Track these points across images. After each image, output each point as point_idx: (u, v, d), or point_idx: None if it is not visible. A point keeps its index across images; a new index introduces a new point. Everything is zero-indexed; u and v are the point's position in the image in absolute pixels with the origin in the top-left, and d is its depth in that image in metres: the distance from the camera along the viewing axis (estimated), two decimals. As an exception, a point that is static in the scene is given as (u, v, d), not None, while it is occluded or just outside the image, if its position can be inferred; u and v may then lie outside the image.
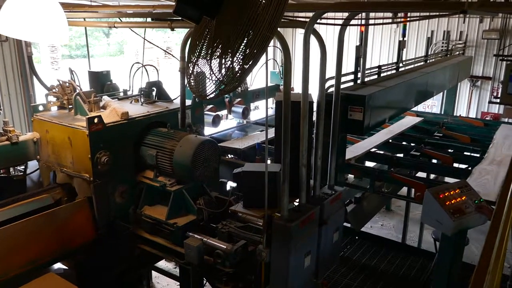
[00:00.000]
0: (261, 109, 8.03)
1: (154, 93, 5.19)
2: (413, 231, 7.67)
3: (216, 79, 2.15)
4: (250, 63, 2.09)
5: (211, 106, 6.10)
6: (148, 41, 5.41)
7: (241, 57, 2.09)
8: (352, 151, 5.43)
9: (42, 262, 4.01)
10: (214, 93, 2.17)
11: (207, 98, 2.22)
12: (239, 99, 6.73)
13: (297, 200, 3.74)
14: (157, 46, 6.51)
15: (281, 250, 3.38)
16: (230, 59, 2.12)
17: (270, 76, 8.14)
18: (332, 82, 4.21)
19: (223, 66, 2.19)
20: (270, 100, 8.30)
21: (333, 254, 4.07)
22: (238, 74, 2.16)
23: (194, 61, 2.38)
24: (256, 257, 3.60)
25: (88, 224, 4.25)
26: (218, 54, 2.19)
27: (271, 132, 5.25)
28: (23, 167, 4.87)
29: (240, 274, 3.91)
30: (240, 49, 2.10)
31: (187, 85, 2.44)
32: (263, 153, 5.60)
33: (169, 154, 4.26)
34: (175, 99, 5.17)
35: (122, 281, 4.47)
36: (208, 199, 4.43)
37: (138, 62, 5.32)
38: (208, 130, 5.96)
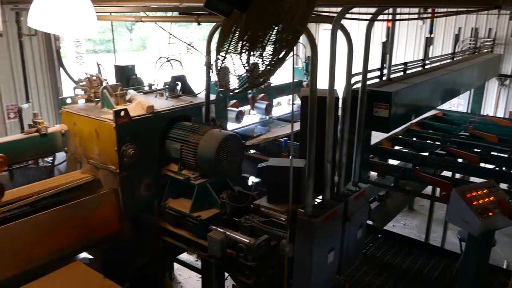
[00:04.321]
0: (283, 105, 8.00)
1: (178, 87, 5.24)
2: (436, 231, 7.55)
3: (246, 73, 2.15)
4: (280, 57, 2.09)
5: (234, 101, 6.11)
6: (174, 36, 5.45)
7: (271, 52, 2.09)
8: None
9: (69, 251, 4.11)
10: (243, 87, 2.18)
11: (236, 92, 2.23)
12: (262, 94, 6.72)
13: (319, 197, 3.73)
14: (184, 42, 6.55)
15: (305, 246, 3.38)
16: (260, 53, 2.12)
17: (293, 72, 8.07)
18: (357, 78, 4.17)
19: (253, 60, 2.19)
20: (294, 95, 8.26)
21: (356, 251, 4.05)
22: (267, 68, 2.16)
23: (223, 55, 2.38)
24: (279, 251, 3.61)
25: (114, 216, 4.33)
26: (247, 48, 2.20)
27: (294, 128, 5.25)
28: (51, 158, 4.98)
29: (262, 268, 3.92)
30: (270, 43, 2.10)
31: (215, 79, 2.45)
32: (287, 149, 5.61)
33: (194, 148, 4.30)
34: (198, 93, 5.21)
35: (146, 272, 4.54)
36: (231, 193, 4.44)
37: (163, 57, 5.37)
38: (231, 126, 5.98)
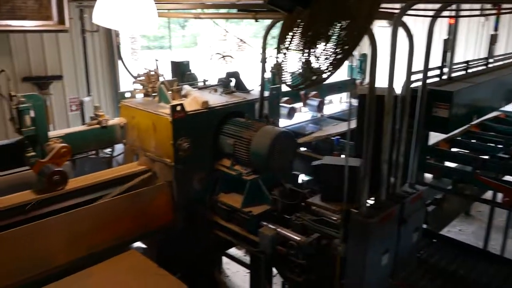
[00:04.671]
0: (335, 103, 7.91)
1: (232, 83, 5.29)
2: (495, 238, 7.17)
3: (308, 69, 2.13)
4: (344, 54, 2.05)
5: (286, 98, 6.10)
6: (229, 33, 5.51)
7: (335, 48, 2.06)
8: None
9: (125, 239, 4.27)
10: (304, 84, 2.17)
11: (297, 88, 2.22)
12: (314, 92, 6.67)
13: (372, 198, 3.65)
14: (240, 39, 6.60)
15: (359, 246, 3.32)
16: (323, 49, 2.10)
17: (346, 70, 7.95)
18: (416, 76, 4.03)
19: (315, 56, 2.17)
20: (345, 94, 8.14)
21: (411, 255, 3.93)
22: (330, 65, 2.13)
23: (284, 51, 2.38)
24: (331, 251, 3.57)
25: (168, 207, 4.45)
26: (310, 44, 2.18)
27: (346, 126, 5.13)
28: (110, 149, 5.19)
29: (313, 267, 3.90)
30: (334, 40, 2.07)
31: (269, 75, 2.45)
32: (339, 148, 5.55)
33: (247, 143, 4.33)
34: (252, 90, 5.24)
35: (197, 264, 4.63)
36: (283, 190, 4.45)
37: (218, 53, 5.45)
38: (283, 122, 5.97)
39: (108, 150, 5.20)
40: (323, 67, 2.19)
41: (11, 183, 4.30)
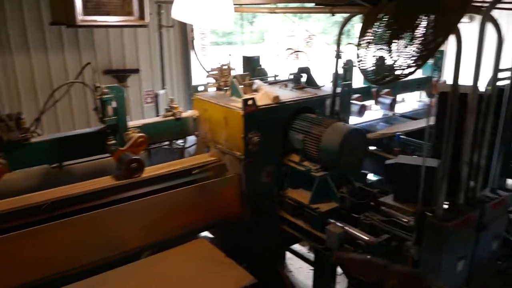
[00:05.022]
0: (408, 102, 7.60)
1: (303, 79, 5.27)
2: None
3: (393, 63, 2.07)
4: (431, 48, 1.97)
5: (357, 95, 5.96)
6: (299, 25, 5.46)
7: (422, 42, 1.98)
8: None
9: (195, 228, 4.41)
10: (387, 78, 2.10)
11: (379, 83, 2.16)
12: (387, 89, 6.45)
13: (447, 201, 3.47)
14: (313, 35, 6.54)
15: (433, 250, 3.19)
16: (410, 43, 2.02)
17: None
18: (504, 74, 3.77)
19: (399, 50, 2.10)
20: (419, 93, 7.80)
21: (490, 263, 3.71)
22: (415, 60, 2.05)
23: (365, 46, 2.32)
24: (401, 253, 3.46)
25: (236, 199, 4.53)
26: (394, 38, 2.11)
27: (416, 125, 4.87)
28: (182, 141, 5.37)
29: (381, 269, 3.80)
30: (422, 34, 1.99)
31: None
32: (403, 145, 5.35)
33: (317, 139, 4.30)
34: (322, 86, 5.18)
35: (262, 257, 4.68)
36: (352, 188, 4.36)
37: (290, 48, 5.44)
38: (353, 120, 5.85)
39: (180, 142, 5.37)
40: (406, 63, 2.11)
41: (93, 168, 4.58)
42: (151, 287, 3.50)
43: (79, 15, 4.52)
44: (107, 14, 5.17)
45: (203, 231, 4.78)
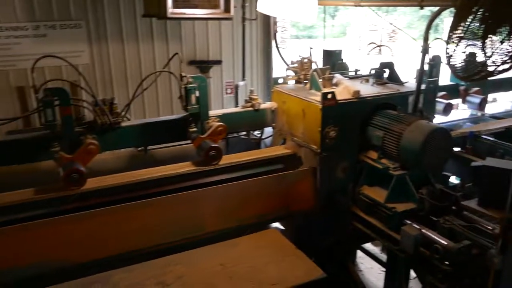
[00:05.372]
0: (500, 102, 7.07)
1: (385, 74, 5.11)
2: None
3: (486, 59, 1.96)
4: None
5: (443, 93, 5.66)
6: (381, 19, 5.30)
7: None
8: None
9: (268, 217, 4.49)
10: (480, 74, 1.99)
11: (471, 80, 2.05)
12: (476, 88, 6.05)
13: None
14: (398, 28, 6.32)
15: (520, 262, 2.97)
16: (506, 38, 1.90)
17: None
18: None
19: (496, 46, 1.97)
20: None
21: None
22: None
23: (456, 41, 2.21)
24: (484, 262, 3.27)
25: (310, 192, 4.54)
26: (491, 33, 1.99)
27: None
28: (259, 132, 5.48)
29: (459, 276, 3.61)
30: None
31: (448, 65, 2.30)
32: (474, 144, 5.09)
33: (397, 137, 4.16)
34: (406, 82, 4.99)
35: (332, 253, 4.66)
36: (432, 190, 4.17)
37: (372, 43, 5.30)
38: (438, 119, 5.58)
39: (257, 133, 5.48)
40: (501, 59, 1.98)
41: (174, 154, 4.84)
42: (222, 270, 3.63)
43: (170, 8, 4.77)
44: (195, 7, 5.41)
45: (274, 222, 4.85)
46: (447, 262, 3.56)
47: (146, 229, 3.90)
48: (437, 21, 4.70)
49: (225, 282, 3.48)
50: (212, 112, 4.72)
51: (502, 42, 1.94)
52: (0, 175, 4.01)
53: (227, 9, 5.16)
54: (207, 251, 3.88)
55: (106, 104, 4.20)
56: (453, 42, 2.20)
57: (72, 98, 3.96)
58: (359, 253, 5.99)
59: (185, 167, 4.28)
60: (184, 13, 5.03)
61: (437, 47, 4.85)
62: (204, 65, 7.20)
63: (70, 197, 3.72)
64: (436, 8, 4.16)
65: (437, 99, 5.33)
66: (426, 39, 4.22)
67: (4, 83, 6.08)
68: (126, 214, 3.81)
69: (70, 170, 3.66)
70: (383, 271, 5.26)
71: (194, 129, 4.42)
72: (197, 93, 4.34)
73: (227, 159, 4.46)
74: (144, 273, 3.55)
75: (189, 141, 4.49)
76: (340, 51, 5.71)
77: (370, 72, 5.21)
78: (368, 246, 5.77)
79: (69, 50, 6.20)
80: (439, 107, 5.45)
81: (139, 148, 4.62)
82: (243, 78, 7.55)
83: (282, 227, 5.17)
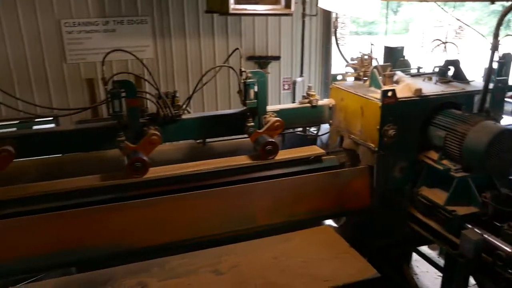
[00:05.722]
0: None
1: (450, 72, 4.92)
2: None
3: None
4: None
5: (513, 93, 5.36)
6: (447, 14, 5.09)
7: None
8: None
9: (321, 214, 4.49)
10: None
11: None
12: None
13: None
14: (465, 25, 6.06)
15: None
16: None
17: None
18: None
19: None
20: None
21: None
22: None
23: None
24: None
25: (365, 191, 4.48)
26: None
27: None
28: (315, 128, 5.46)
29: (523, 286, 3.44)
30: None
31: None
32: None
33: (460, 138, 4.00)
34: (472, 81, 4.78)
35: (387, 254, 4.58)
36: (497, 194, 3.98)
37: (437, 39, 5.12)
38: (506, 120, 5.29)
39: (313, 129, 5.47)
40: None
41: (231, 147, 4.94)
42: (275, 263, 3.68)
43: (232, 4, 4.87)
44: (256, 3, 5.49)
45: (328, 219, 4.85)
46: (510, 270, 3.39)
47: (201, 218, 4.02)
48: (509, 16, 4.45)
49: (277, 275, 3.53)
50: (269, 107, 4.75)
51: None
52: (69, 162, 4.29)
53: (288, 5, 5.19)
54: (260, 244, 3.95)
55: (169, 97, 4.35)
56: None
57: (138, 91, 4.14)
58: (415, 256, 5.83)
59: (242, 160, 4.36)
60: (246, 9, 5.12)
61: (508, 45, 4.60)
62: (263, 61, 7.28)
63: (133, 185, 3.91)
64: (509, 3, 3.94)
65: (506, 99, 5.05)
66: (496, 35, 4.01)
67: (76, 75, 6.50)
68: (183, 203, 3.96)
69: (134, 159, 3.86)
70: (439, 276, 5.08)
71: (252, 123, 4.47)
72: (256, 88, 4.39)
73: (282, 154, 4.49)
74: (199, 261, 3.68)
75: (245, 136, 4.56)
76: (402, 47, 5.56)
77: (433, 70, 5.04)
78: (425, 249, 5.59)
79: (135, 45, 6.51)
80: (508, 107, 5.16)
81: (198, 141, 4.75)
82: (301, 74, 7.55)
83: (335, 225, 5.15)
